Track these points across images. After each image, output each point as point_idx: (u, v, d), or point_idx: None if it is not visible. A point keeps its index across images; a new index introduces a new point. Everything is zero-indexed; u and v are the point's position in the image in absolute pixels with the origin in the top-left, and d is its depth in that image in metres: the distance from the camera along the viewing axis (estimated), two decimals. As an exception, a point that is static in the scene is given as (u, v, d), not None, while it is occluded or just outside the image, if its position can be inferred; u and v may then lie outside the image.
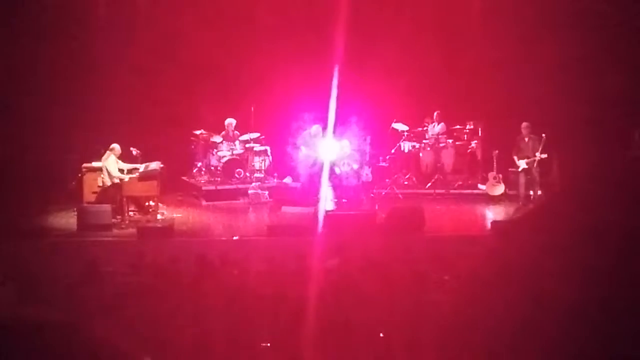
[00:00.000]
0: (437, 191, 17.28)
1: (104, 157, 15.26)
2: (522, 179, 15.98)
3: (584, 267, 10.59)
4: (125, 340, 7.74)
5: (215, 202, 16.72)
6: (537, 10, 17.73)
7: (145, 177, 15.31)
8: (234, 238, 14.01)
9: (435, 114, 17.96)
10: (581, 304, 9.02)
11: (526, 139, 15.89)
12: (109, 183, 15.17)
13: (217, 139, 17.44)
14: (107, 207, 14.76)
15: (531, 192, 16.03)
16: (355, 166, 16.33)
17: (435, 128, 17.92)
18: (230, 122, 17.51)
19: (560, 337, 8.51)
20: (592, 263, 10.79)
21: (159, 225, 14.89)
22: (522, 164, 15.92)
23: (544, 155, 15.78)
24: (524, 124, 15.97)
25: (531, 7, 17.75)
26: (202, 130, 17.55)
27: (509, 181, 16.97)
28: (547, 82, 17.48)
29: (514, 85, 17.77)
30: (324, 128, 16.60)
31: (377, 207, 15.80)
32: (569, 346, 8.46)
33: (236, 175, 17.26)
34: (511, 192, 16.87)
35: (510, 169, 16.98)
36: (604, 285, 9.75)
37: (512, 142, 16.36)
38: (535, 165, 15.89)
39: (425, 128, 18.01)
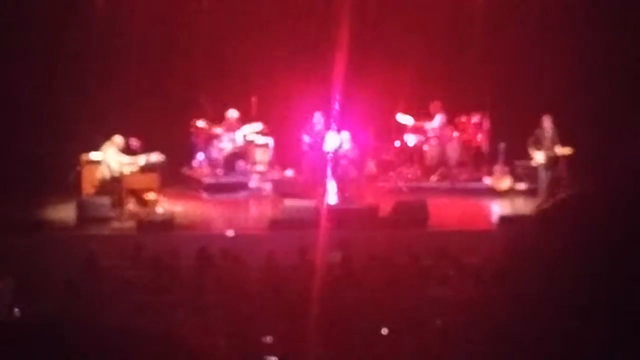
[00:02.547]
0: (442, 184, 17.13)
1: (103, 149, 15.11)
2: (541, 173, 15.67)
3: (593, 265, 10.44)
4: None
5: (216, 195, 16.57)
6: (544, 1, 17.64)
7: (146, 169, 15.18)
8: (229, 233, 13.84)
9: (437, 104, 17.69)
10: (589, 301, 8.90)
11: (545, 132, 15.57)
12: (108, 175, 15.02)
13: (218, 130, 17.29)
14: (106, 200, 14.62)
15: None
16: (352, 156, 16.12)
17: (434, 122, 17.61)
18: (232, 114, 17.35)
19: (566, 333, 8.39)
20: (600, 261, 10.64)
21: (158, 219, 14.74)
22: (539, 157, 15.57)
23: (568, 150, 15.43)
24: (545, 117, 15.64)
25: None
26: (203, 122, 17.39)
27: (515, 174, 16.83)
28: (556, 74, 17.40)
29: (521, 77, 17.67)
30: (326, 118, 16.48)
31: (380, 201, 15.63)
32: (574, 343, 8.35)
33: (237, 167, 17.11)
34: (518, 187, 16.75)
35: (517, 162, 16.83)
36: (612, 285, 9.63)
37: (522, 134, 16.16)
38: (557, 159, 15.59)
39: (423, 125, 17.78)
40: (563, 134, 15.59)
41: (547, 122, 15.55)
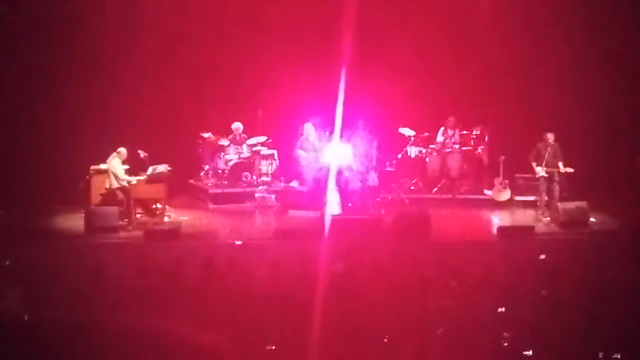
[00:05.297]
0: (444, 196, 17.27)
1: (108, 160, 15.27)
2: (542, 186, 15.76)
3: (595, 274, 10.57)
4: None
5: (222, 206, 16.74)
6: (546, 13, 17.72)
7: (153, 179, 15.33)
8: (237, 243, 14.00)
9: (452, 119, 17.74)
10: (590, 309, 9.07)
11: (548, 147, 15.64)
12: (116, 185, 15.19)
13: (224, 142, 17.46)
14: (114, 210, 14.79)
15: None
16: (355, 167, 16.23)
17: (455, 137, 17.72)
18: (238, 126, 17.53)
19: (568, 341, 8.56)
20: (602, 269, 10.77)
21: (165, 228, 14.92)
22: (540, 171, 15.67)
23: (570, 169, 15.54)
24: (549, 134, 15.65)
25: (540, 10, 17.75)
26: (209, 134, 17.58)
27: (516, 187, 16.97)
28: (556, 87, 17.51)
29: (522, 90, 17.78)
30: (330, 130, 16.63)
31: (383, 212, 15.78)
32: (576, 351, 8.52)
33: (243, 178, 17.27)
34: (518, 199, 16.88)
35: (517, 175, 16.98)
36: (614, 292, 9.77)
37: (522, 147, 16.30)
38: (556, 174, 15.70)
39: (443, 135, 17.82)
40: (562, 148, 15.73)
41: (549, 138, 15.62)
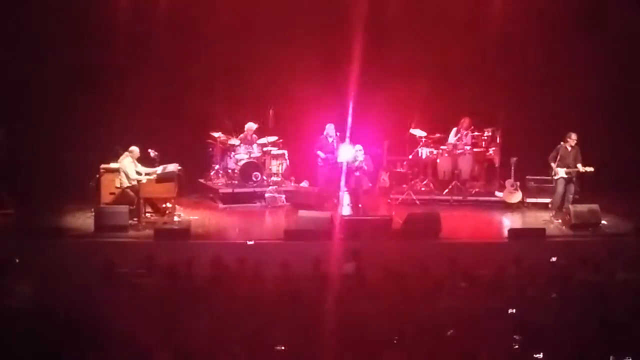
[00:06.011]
0: (454, 198, 17.22)
1: (120, 159, 15.29)
2: (559, 188, 15.70)
3: (606, 276, 10.54)
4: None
5: (232, 205, 16.75)
6: (559, 15, 17.69)
7: (163, 179, 15.32)
8: (249, 243, 13.98)
9: (465, 121, 17.65)
10: (600, 312, 9.03)
11: (569, 148, 15.56)
12: (126, 184, 15.20)
13: (234, 141, 17.46)
14: (124, 209, 14.78)
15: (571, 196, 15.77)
16: (366, 168, 16.19)
17: (467, 138, 17.62)
18: (251, 126, 17.51)
19: (579, 344, 8.53)
20: (614, 271, 10.72)
21: (175, 228, 14.91)
22: (561, 172, 15.64)
23: (590, 169, 15.50)
24: (573, 135, 15.61)
25: (553, 12, 17.72)
26: (219, 133, 17.59)
27: (527, 189, 16.91)
28: (568, 88, 17.48)
29: (534, 92, 17.74)
30: (341, 131, 16.66)
31: (393, 213, 15.76)
32: (587, 354, 8.49)
33: (253, 178, 17.25)
34: (529, 201, 16.82)
35: (528, 177, 16.93)
36: (625, 295, 9.73)
37: (534, 149, 16.22)
38: (575, 175, 15.63)
39: (455, 136, 17.72)
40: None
41: (573, 139, 15.53)
